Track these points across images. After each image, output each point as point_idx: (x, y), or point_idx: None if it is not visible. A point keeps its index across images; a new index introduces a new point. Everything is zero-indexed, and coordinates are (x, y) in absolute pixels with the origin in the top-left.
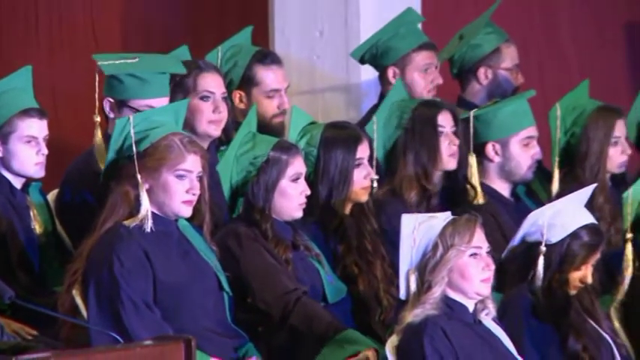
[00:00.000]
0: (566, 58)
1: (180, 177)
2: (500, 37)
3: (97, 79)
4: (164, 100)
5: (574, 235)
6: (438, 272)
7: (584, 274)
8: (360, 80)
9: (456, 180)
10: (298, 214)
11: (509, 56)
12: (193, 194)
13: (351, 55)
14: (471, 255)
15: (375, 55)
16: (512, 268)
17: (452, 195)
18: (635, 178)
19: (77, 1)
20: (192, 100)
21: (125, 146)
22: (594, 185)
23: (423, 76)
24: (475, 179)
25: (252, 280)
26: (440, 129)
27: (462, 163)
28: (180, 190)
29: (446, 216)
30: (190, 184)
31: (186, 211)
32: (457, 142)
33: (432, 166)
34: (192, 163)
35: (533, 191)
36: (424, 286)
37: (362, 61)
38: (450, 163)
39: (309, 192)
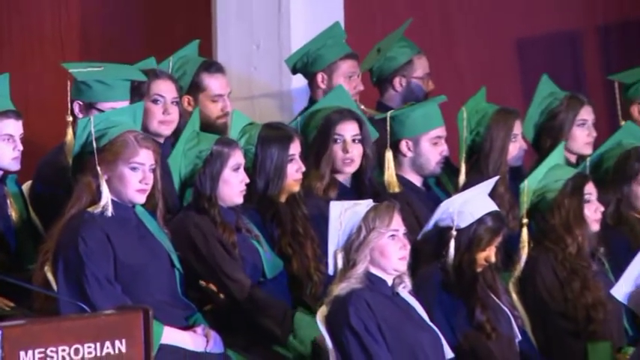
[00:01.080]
0: (462, 69)
1: (133, 169)
2: (412, 50)
3: (68, 84)
4: (126, 103)
5: (480, 221)
6: (361, 251)
7: (488, 254)
8: (291, 88)
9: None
10: (240, 200)
11: (421, 66)
12: (146, 184)
13: (285, 61)
14: (390, 236)
15: (305, 63)
16: (425, 248)
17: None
18: (529, 172)
19: (46, 15)
20: (146, 102)
21: (87, 142)
22: (497, 177)
23: (348, 82)
24: (390, 172)
25: (211, 267)
26: (336, 137)
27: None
28: (135, 180)
29: (368, 203)
30: (143, 175)
31: (140, 199)
32: (354, 148)
33: (327, 169)
34: (145, 157)
35: (442, 182)
36: (349, 263)
37: (294, 70)
38: (346, 167)
39: (248, 180)
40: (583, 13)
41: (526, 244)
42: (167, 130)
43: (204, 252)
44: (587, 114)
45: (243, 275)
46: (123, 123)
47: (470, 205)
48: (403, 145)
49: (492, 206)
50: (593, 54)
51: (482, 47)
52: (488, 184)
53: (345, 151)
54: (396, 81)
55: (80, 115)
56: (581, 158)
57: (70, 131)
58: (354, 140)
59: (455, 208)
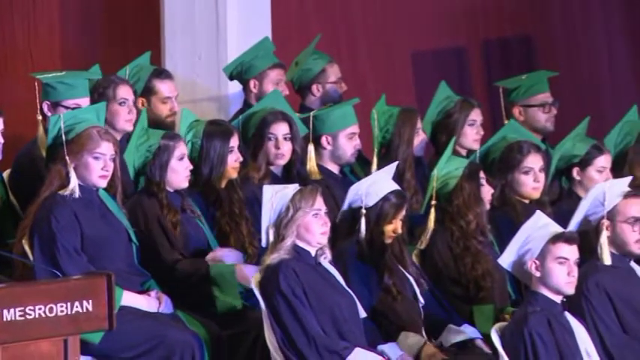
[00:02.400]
0: (364, 77)
1: (96, 158)
2: (324, 59)
3: (36, 89)
4: (86, 99)
5: (385, 198)
6: (289, 227)
7: (395, 227)
8: (228, 93)
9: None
10: (185, 184)
11: (333, 73)
12: (107, 171)
13: (223, 70)
14: (314, 215)
15: (240, 71)
16: (342, 225)
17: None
18: (428, 163)
19: (17, 32)
20: (113, 105)
21: (58, 136)
22: (396, 162)
23: (276, 88)
24: (313, 162)
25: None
26: (270, 135)
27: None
28: (97, 167)
29: (295, 187)
30: (104, 164)
31: (102, 183)
32: (285, 145)
33: (263, 161)
34: (106, 148)
35: (355, 171)
36: (279, 237)
37: (230, 77)
38: (278, 159)
39: (191, 167)
40: (467, 31)
41: (432, 222)
42: (131, 127)
43: (143, 230)
44: (476, 115)
45: (169, 250)
46: (88, 119)
47: (375, 186)
48: (323, 140)
49: (394, 186)
50: (476, 66)
51: (381, 59)
52: (389, 168)
53: (277, 147)
54: (314, 88)
55: (49, 114)
56: (470, 152)
57: (40, 128)
58: (285, 138)
59: (363, 190)
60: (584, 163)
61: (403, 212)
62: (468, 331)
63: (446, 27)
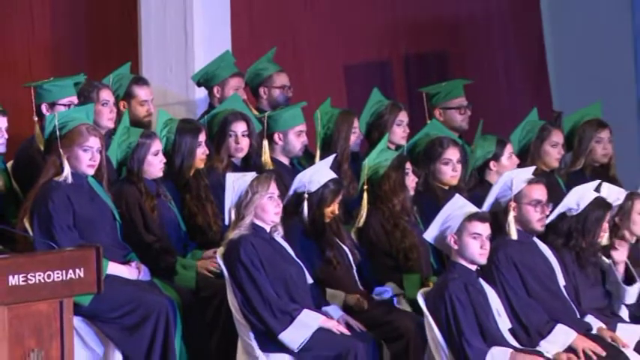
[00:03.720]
0: (306, 85)
1: (85, 150)
2: (274, 68)
3: (32, 94)
4: (74, 97)
5: (325, 185)
6: (248, 208)
7: (333, 209)
8: (195, 98)
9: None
10: (160, 174)
11: (279, 80)
12: (94, 161)
13: (191, 78)
14: (268, 197)
15: (206, 79)
16: (289, 208)
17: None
18: (363, 156)
19: (17, 44)
20: (97, 106)
21: (53, 132)
22: (335, 155)
23: (235, 92)
24: (267, 155)
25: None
26: (231, 133)
27: (253, 150)
28: (86, 158)
29: (252, 174)
30: (92, 155)
31: (90, 171)
32: (243, 141)
33: (225, 154)
34: (93, 142)
35: (302, 163)
36: (239, 216)
37: (198, 84)
38: (238, 153)
39: (165, 160)
40: (390, 47)
41: (366, 204)
42: (112, 124)
43: (125, 211)
44: (403, 116)
45: (146, 229)
46: (78, 118)
47: (316, 175)
48: (276, 137)
49: (333, 175)
50: (398, 77)
51: (320, 69)
52: (327, 160)
53: (237, 142)
54: (261, 90)
55: (47, 113)
56: (398, 147)
57: (37, 126)
58: (243, 135)
59: (306, 178)
60: (497, 156)
61: (340, 197)
62: (390, 288)
63: (373, 43)
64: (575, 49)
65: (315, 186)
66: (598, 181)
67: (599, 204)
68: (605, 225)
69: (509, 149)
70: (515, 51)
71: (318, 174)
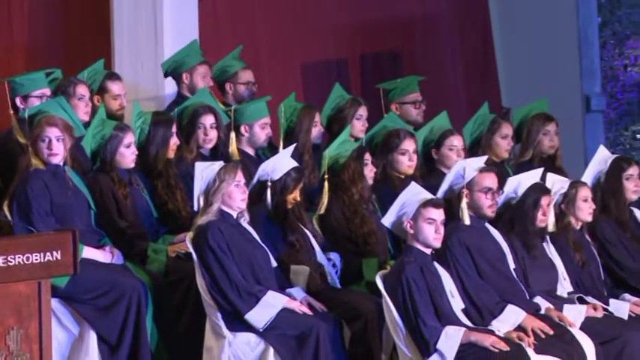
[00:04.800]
0: (263, 82)
1: (42, 140)
2: (239, 65)
3: (7, 89)
4: (47, 89)
5: (287, 174)
6: (215, 195)
7: (294, 195)
8: (164, 93)
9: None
10: (131, 165)
11: (244, 76)
12: (52, 150)
13: (161, 65)
14: (235, 185)
15: (174, 67)
16: (253, 195)
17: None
18: (324, 148)
19: None
20: (73, 100)
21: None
22: (294, 145)
23: (203, 81)
24: (234, 146)
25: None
26: (200, 125)
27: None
28: (44, 147)
29: (220, 163)
30: (49, 144)
31: (54, 160)
32: (211, 133)
33: (195, 145)
34: (50, 132)
35: (266, 153)
36: (207, 203)
37: (166, 74)
38: (206, 144)
39: (136, 152)
40: (347, 45)
41: (327, 193)
42: (88, 117)
43: (99, 199)
44: (363, 111)
45: (118, 218)
46: (46, 112)
47: (279, 164)
48: (242, 129)
49: (294, 163)
50: (354, 74)
51: (279, 66)
52: (289, 149)
53: (206, 134)
54: (227, 86)
55: (22, 106)
56: (357, 140)
57: (14, 119)
58: (211, 127)
59: (269, 167)
60: (438, 144)
61: (301, 184)
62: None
63: (331, 43)
64: (523, 48)
65: (278, 174)
66: (540, 169)
67: (535, 188)
68: (546, 209)
69: (451, 141)
70: (464, 50)
71: (281, 163)
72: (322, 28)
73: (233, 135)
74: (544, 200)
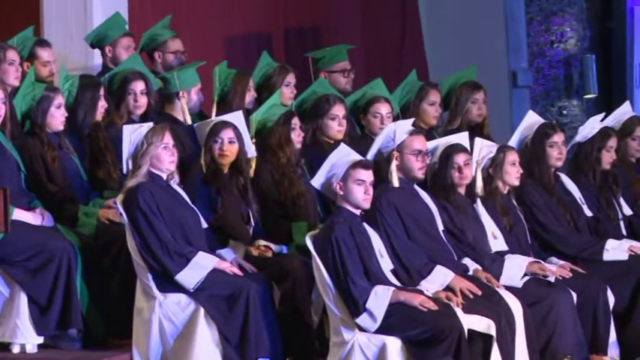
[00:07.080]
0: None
1: None
2: (168, 33)
3: None
4: None
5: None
6: (144, 158)
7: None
8: (93, 63)
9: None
10: (61, 127)
11: (173, 45)
12: None
13: (84, 38)
14: (163, 147)
15: (98, 39)
16: (190, 158)
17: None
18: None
19: None
20: (4, 65)
21: None
22: (240, 111)
23: (127, 53)
24: (186, 111)
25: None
26: (130, 91)
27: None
28: None
29: (148, 125)
30: None
31: None
32: (142, 98)
33: (125, 111)
34: None
35: (200, 117)
36: (137, 166)
37: (92, 46)
38: (137, 110)
39: (66, 114)
40: (270, 18)
41: (255, 155)
42: (18, 83)
43: (28, 162)
44: (291, 78)
45: (47, 181)
46: None
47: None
48: (181, 94)
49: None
50: (277, 47)
51: (200, 39)
52: (235, 115)
53: (136, 100)
54: (156, 54)
55: None
56: (286, 107)
57: None
58: (142, 93)
59: (204, 131)
60: (365, 110)
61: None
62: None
63: (252, 13)
64: (450, 24)
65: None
66: (465, 133)
67: (450, 147)
68: (463, 167)
69: (377, 108)
70: (392, 23)
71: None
72: (246, 1)
73: (184, 101)
74: (458, 158)
